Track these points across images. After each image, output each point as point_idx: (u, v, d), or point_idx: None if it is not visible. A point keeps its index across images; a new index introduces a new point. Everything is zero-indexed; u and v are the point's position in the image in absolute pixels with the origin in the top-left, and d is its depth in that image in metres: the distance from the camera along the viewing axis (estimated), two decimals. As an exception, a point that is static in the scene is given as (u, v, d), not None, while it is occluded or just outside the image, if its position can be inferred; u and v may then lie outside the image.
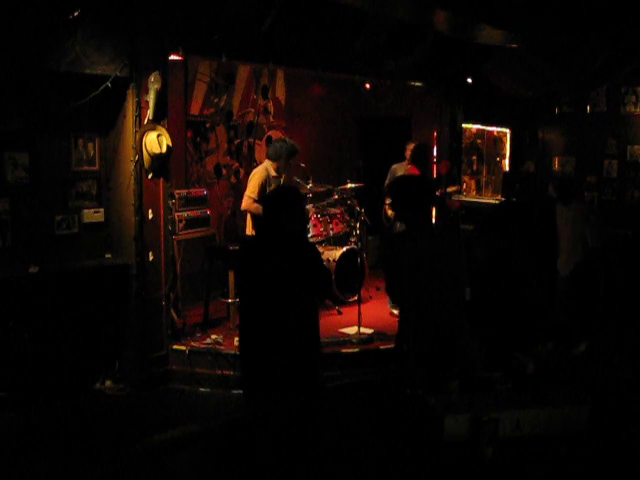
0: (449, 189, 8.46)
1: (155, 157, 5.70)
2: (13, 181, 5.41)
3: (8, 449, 4.42)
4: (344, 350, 6.17)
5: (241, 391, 5.74)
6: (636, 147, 7.89)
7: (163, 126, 5.83)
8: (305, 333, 3.65)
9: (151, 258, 5.87)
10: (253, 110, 8.63)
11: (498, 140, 9.82)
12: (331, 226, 7.58)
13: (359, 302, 6.58)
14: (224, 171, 8.28)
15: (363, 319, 6.54)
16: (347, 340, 6.31)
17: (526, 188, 7.55)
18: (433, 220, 8.66)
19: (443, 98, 9.05)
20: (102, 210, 5.98)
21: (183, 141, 7.54)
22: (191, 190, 6.94)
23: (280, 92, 9.03)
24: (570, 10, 5.86)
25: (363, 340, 6.34)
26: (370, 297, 7.86)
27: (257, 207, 6.37)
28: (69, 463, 4.00)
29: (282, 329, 3.57)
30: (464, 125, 9.37)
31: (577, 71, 6.82)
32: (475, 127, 9.63)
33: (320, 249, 7.65)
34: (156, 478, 2.44)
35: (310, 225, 7.29)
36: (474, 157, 9.80)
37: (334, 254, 7.39)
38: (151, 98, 5.62)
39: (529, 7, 5.69)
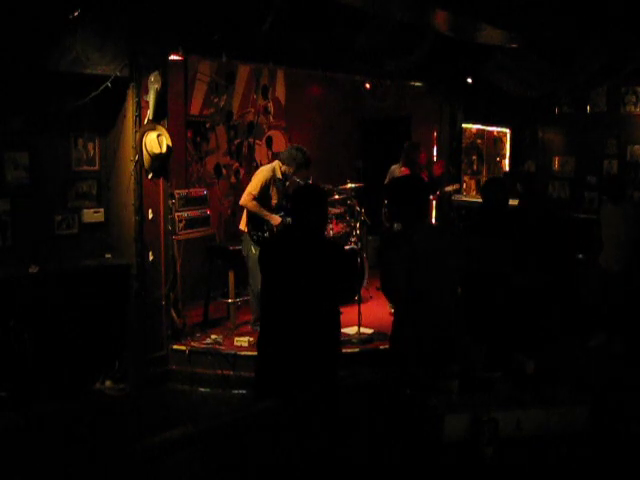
0: (447, 188, 8.48)
1: (155, 157, 5.70)
2: (13, 181, 5.42)
3: (8, 449, 4.41)
4: (344, 350, 6.15)
5: (241, 391, 5.80)
6: (636, 147, 7.88)
7: (163, 126, 5.83)
8: (326, 333, 3.65)
9: (151, 258, 5.87)
10: (253, 110, 8.63)
11: (498, 140, 9.81)
12: (331, 226, 7.59)
13: (359, 302, 6.58)
14: (224, 171, 8.28)
15: (363, 319, 6.54)
16: (347, 340, 6.31)
17: (528, 188, 7.54)
18: (433, 220, 8.72)
19: (443, 98, 9.05)
20: (102, 210, 5.98)
21: (183, 141, 7.53)
22: (191, 190, 6.94)
23: (280, 92, 9.03)
24: (570, 10, 5.86)
25: (363, 340, 6.35)
26: (370, 297, 7.86)
27: (255, 205, 6.37)
28: (69, 463, 4.00)
29: (304, 328, 3.56)
30: (464, 125, 9.37)
31: (577, 71, 6.82)
32: (475, 127, 9.63)
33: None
34: (156, 478, 2.44)
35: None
36: (474, 157, 9.80)
37: (334, 254, 7.38)
38: (151, 98, 5.63)
39: (529, 7, 5.68)
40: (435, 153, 9.36)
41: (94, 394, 5.59)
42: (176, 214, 6.42)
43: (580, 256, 7.34)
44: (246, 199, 6.43)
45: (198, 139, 7.91)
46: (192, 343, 6.20)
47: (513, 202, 7.19)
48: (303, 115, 9.31)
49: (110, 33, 5.42)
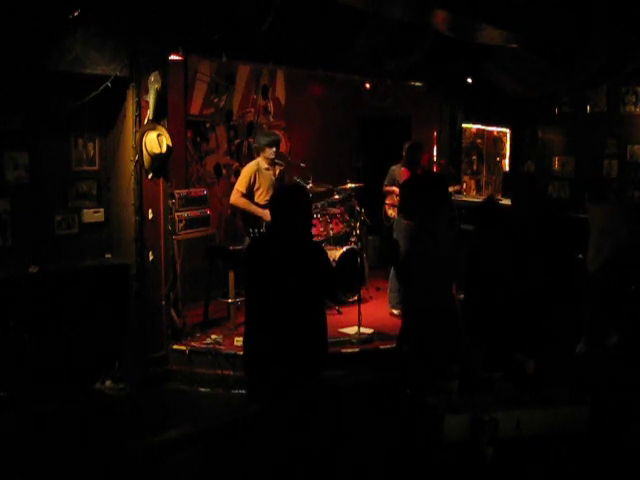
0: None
1: (155, 157, 5.70)
2: (13, 181, 5.41)
3: (8, 449, 4.41)
4: (344, 350, 6.17)
5: (241, 391, 5.79)
6: (636, 147, 7.87)
7: (163, 126, 5.83)
8: (312, 332, 3.64)
9: (151, 258, 5.87)
10: (253, 110, 8.64)
11: (498, 140, 9.81)
12: (331, 226, 7.59)
13: (359, 302, 6.59)
14: (224, 171, 8.29)
15: (363, 319, 6.54)
16: (347, 340, 6.31)
17: (530, 188, 7.55)
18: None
19: (443, 98, 9.05)
20: (102, 210, 5.98)
21: (183, 141, 7.53)
22: (191, 190, 6.94)
23: (280, 92, 9.03)
24: (570, 10, 5.86)
25: (363, 340, 6.34)
26: (370, 297, 7.87)
27: (245, 202, 6.39)
28: (69, 463, 4.00)
29: (288, 328, 3.56)
30: (464, 125, 9.37)
31: (577, 71, 6.82)
32: (475, 127, 9.63)
33: (320, 249, 7.65)
34: (156, 478, 2.44)
35: (310, 225, 7.29)
36: (474, 157, 9.79)
37: (334, 254, 7.39)
38: (151, 98, 5.63)
39: (529, 7, 5.68)
40: (435, 153, 9.36)
41: (94, 394, 5.59)
42: (176, 214, 6.42)
43: (580, 256, 7.32)
44: (234, 197, 6.46)
45: (198, 139, 7.91)
46: (192, 343, 6.20)
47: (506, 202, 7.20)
48: (303, 115, 9.31)
49: (110, 33, 5.42)
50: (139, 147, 5.68)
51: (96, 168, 5.97)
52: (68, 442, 4.59)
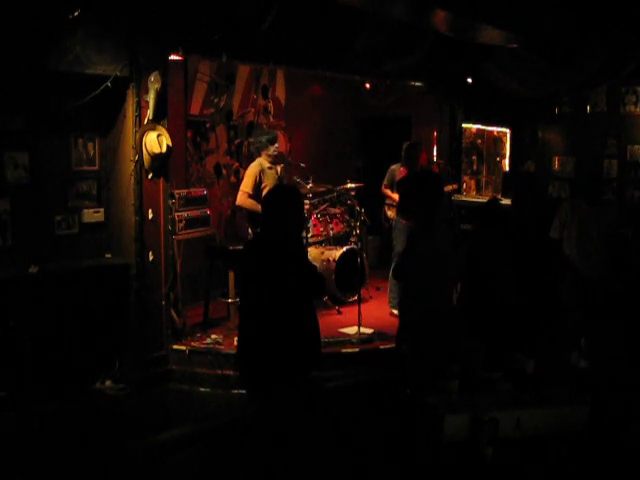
0: (446, 188, 8.47)
1: (155, 157, 5.70)
2: (13, 181, 5.41)
3: (8, 449, 4.41)
4: (344, 350, 6.17)
5: (241, 391, 5.79)
6: (636, 147, 7.86)
7: (163, 126, 5.83)
8: (301, 333, 3.64)
9: (151, 258, 5.87)
10: (253, 110, 8.63)
11: (498, 140, 9.81)
12: (331, 226, 7.59)
13: (359, 302, 6.59)
14: (224, 171, 8.28)
15: (363, 319, 6.54)
16: (347, 340, 6.31)
17: (530, 188, 7.54)
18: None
19: (443, 98, 9.04)
20: (102, 210, 5.98)
21: (183, 141, 7.53)
22: (191, 190, 6.95)
23: (280, 92, 9.02)
24: (570, 10, 5.86)
25: (363, 340, 6.34)
26: (370, 297, 7.87)
27: (251, 202, 6.39)
28: (69, 463, 4.00)
29: (278, 329, 3.57)
30: (464, 125, 9.36)
31: (577, 71, 6.82)
32: (475, 127, 9.63)
33: (320, 249, 7.66)
34: (156, 478, 2.44)
35: (310, 225, 7.29)
36: (474, 157, 9.79)
37: (334, 254, 7.39)
38: (151, 98, 5.63)
39: (529, 7, 5.68)
40: (435, 153, 9.36)
41: (94, 394, 5.59)
42: (176, 214, 6.43)
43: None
44: (241, 198, 6.45)
45: (198, 139, 7.90)
46: (192, 343, 6.20)
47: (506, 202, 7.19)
48: (303, 115, 9.31)
49: (110, 33, 5.42)
50: (139, 147, 5.68)
51: (96, 168, 5.97)
52: (68, 442, 4.59)
